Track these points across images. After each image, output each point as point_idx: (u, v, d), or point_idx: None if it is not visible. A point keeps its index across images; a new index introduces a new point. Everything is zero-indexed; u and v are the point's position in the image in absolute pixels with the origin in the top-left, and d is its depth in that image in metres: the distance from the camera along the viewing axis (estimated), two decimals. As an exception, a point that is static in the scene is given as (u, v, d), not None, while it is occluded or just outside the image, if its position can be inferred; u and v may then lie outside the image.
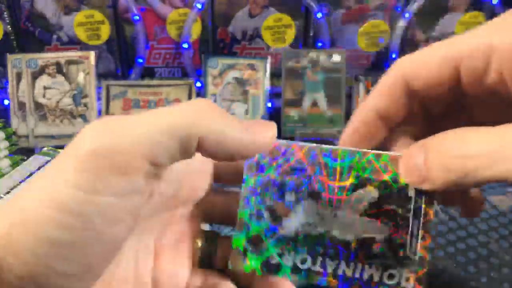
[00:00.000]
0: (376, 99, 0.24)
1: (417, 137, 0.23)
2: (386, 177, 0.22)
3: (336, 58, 0.76)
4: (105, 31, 0.79)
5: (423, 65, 0.23)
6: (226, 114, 0.19)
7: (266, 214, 0.23)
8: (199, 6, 0.76)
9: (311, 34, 0.84)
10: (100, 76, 0.77)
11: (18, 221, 0.17)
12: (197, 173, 0.24)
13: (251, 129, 0.20)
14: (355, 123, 0.25)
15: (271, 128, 0.21)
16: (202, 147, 0.19)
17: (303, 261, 0.22)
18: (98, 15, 0.77)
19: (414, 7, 0.80)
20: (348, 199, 0.22)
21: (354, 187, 0.22)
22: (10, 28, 0.77)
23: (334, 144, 0.23)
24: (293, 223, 0.23)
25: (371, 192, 0.22)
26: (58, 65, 0.71)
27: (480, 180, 0.19)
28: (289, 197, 0.23)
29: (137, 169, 0.17)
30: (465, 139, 0.19)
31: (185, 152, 0.19)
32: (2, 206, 0.18)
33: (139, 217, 0.19)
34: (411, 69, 0.23)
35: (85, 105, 0.72)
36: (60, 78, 0.71)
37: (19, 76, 0.70)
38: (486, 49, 0.21)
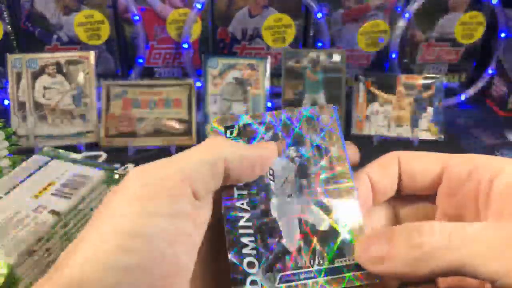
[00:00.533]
0: (374, 168, 0.26)
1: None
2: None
3: (336, 58, 0.76)
4: (105, 31, 0.79)
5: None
6: (236, 143, 0.24)
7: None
8: (199, 6, 0.76)
9: (311, 34, 0.84)
10: (100, 76, 0.77)
11: (88, 257, 0.18)
12: None
13: (255, 146, 0.24)
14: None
15: (270, 143, 0.25)
16: (227, 169, 0.22)
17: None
18: (98, 15, 0.77)
19: (414, 7, 0.80)
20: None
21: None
22: (10, 28, 0.77)
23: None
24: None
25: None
26: (58, 65, 0.71)
27: (445, 268, 0.20)
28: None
29: (182, 193, 0.20)
30: (431, 224, 0.21)
31: (215, 176, 0.22)
32: (72, 246, 0.19)
33: (196, 244, 0.20)
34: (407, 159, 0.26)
35: (85, 105, 0.72)
36: (60, 78, 0.71)
37: (19, 76, 0.70)
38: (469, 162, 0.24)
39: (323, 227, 0.24)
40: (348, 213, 0.24)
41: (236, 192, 0.24)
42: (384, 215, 0.28)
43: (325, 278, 0.23)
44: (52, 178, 0.45)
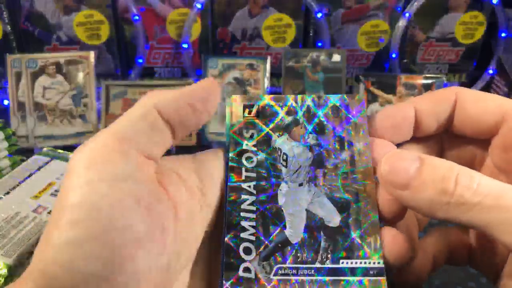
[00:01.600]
0: (423, 99, 0.25)
1: None
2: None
3: (336, 58, 0.76)
4: (105, 31, 0.79)
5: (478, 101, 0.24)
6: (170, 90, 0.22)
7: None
8: (199, 6, 0.76)
9: (311, 34, 0.84)
10: (100, 76, 0.77)
11: (44, 239, 0.18)
12: None
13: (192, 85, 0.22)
14: (393, 111, 0.25)
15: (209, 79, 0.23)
16: (165, 117, 0.20)
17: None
18: (97, 15, 0.77)
19: (414, 7, 0.80)
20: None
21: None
22: (9, 28, 0.77)
23: None
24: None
25: None
26: (57, 65, 0.71)
27: (466, 219, 0.19)
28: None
29: (121, 155, 0.19)
30: (473, 176, 0.19)
31: (155, 128, 0.20)
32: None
33: (151, 207, 0.19)
34: (466, 97, 0.24)
35: (85, 105, 0.72)
36: (60, 78, 0.71)
37: (18, 76, 0.70)
38: None
39: (333, 223, 0.22)
40: (364, 214, 0.22)
41: (244, 174, 0.23)
42: (427, 149, 0.26)
43: (326, 278, 0.21)
44: (52, 178, 0.45)
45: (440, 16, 0.83)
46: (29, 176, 0.45)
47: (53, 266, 0.17)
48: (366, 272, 0.21)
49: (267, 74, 0.74)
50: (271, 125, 0.24)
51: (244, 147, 0.24)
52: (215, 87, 0.22)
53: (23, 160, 0.51)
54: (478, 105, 0.23)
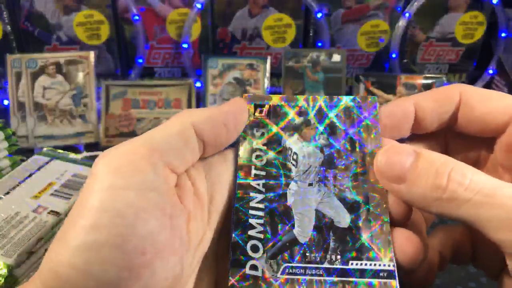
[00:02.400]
0: (425, 96, 0.24)
1: None
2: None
3: (336, 58, 0.76)
4: (105, 31, 0.79)
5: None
6: (205, 108, 0.22)
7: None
8: (199, 6, 0.76)
9: (311, 34, 0.84)
10: (100, 76, 0.77)
11: (60, 240, 0.18)
12: None
13: (222, 105, 0.23)
14: (393, 107, 0.25)
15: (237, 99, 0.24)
16: (199, 134, 0.21)
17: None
18: (97, 15, 0.77)
19: (414, 7, 0.80)
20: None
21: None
22: (9, 28, 0.77)
23: None
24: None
25: None
26: (57, 65, 0.71)
27: (458, 215, 0.19)
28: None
29: (150, 165, 0.19)
30: (466, 172, 0.20)
31: (188, 145, 0.20)
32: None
33: (175, 219, 0.19)
34: (473, 98, 0.24)
35: (85, 105, 0.72)
36: (60, 78, 0.71)
37: (18, 76, 0.70)
38: None
39: (343, 224, 0.22)
40: (375, 216, 0.22)
41: (253, 171, 0.23)
42: (431, 145, 0.26)
43: (334, 278, 0.21)
44: (51, 178, 0.45)
45: (440, 16, 0.83)
46: (29, 176, 0.45)
47: (67, 268, 0.17)
48: (376, 274, 0.21)
49: (267, 74, 0.74)
50: (282, 125, 0.24)
51: (254, 145, 0.24)
52: (244, 107, 0.24)
53: (23, 160, 0.51)
54: (485, 104, 0.23)
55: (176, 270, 0.19)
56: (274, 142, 0.24)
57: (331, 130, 0.24)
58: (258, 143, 0.24)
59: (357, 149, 0.24)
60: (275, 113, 0.24)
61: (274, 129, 0.24)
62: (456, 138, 0.26)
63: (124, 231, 0.17)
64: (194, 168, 0.22)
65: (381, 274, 0.21)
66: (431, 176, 0.20)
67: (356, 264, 0.21)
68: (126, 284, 0.17)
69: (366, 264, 0.21)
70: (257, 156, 0.23)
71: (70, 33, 0.78)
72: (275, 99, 0.25)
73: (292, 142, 0.24)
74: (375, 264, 0.21)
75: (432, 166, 0.20)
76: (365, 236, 0.22)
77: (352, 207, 0.22)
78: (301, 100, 0.25)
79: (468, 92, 0.24)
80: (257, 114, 0.24)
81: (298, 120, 0.24)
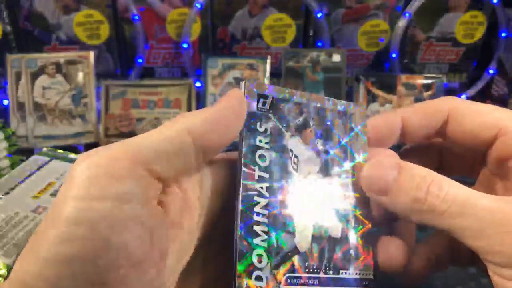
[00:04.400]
0: (414, 110, 0.25)
1: None
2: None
3: (336, 58, 0.76)
4: (105, 31, 0.79)
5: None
6: (199, 110, 0.21)
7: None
8: (198, 5, 0.76)
9: (311, 34, 0.83)
10: (100, 76, 0.77)
11: (30, 250, 0.17)
12: None
13: (219, 102, 0.21)
14: (379, 121, 0.26)
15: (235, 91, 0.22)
16: (196, 139, 0.19)
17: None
18: (97, 15, 0.77)
19: (414, 7, 0.79)
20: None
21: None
22: (9, 28, 0.77)
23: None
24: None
25: None
26: (57, 65, 0.71)
27: (438, 225, 0.21)
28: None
29: (131, 174, 0.18)
30: (442, 185, 0.21)
31: (181, 152, 0.19)
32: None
33: (153, 231, 0.18)
34: (460, 111, 0.25)
35: (85, 105, 0.72)
36: (60, 78, 0.71)
37: (18, 76, 0.70)
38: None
39: (335, 233, 0.23)
40: (361, 224, 0.23)
41: (257, 173, 0.22)
42: (425, 153, 0.27)
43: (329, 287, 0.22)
44: (51, 178, 0.45)
45: (440, 16, 0.83)
46: (29, 176, 0.45)
47: (37, 281, 0.16)
48: (359, 282, 0.22)
49: (267, 74, 0.74)
50: (284, 122, 0.23)
51: (258, 143, 0.22)
52: (242, 99, 0.22)
53: (23, 160, 0.51)
54: (472, 120, 0.24)
55: (156, 281, 0.18)
56: (277, 141, 0.23)
57: (327, 135, 0.24)
58: (261, 140, 0.22)
59: (349, 157, 0.24)
60: (278, 107, 0.23)
61: (277, 125, 0.23)
62: (450, 148, 0.27)
63: (97, 244, 0.16)
64: (185, 174, 0.21)
65: (363, 282, 0.23)
66: (411, 189, 0.21)
67: (344, 273, 0.22)
68: None
69: (351, 274, 0.22)
70: (261, 156, 0.22)
71: (70, 33, 0.78)
72: (278, 91, 0.23)
73: (294, 144, 0.23)
74: (358, 274, 0.23)
75: (413, 180, 0.22)
76: (351, 245, 0.23)
77: (343, 216, 0.23)
78: (302, 97, 0.24)
79: (457, 107, 0.25)
80: (260, 105, 0.22)
81: (299, 119, 0.23)
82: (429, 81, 0.76)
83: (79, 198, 0.17)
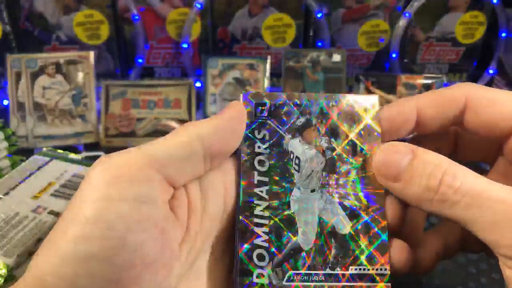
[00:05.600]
0: (428, 99, 0.24)
1: None
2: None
3: (336, 57, 0.76)
4: (105, 31, 0.79)
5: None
6: (208, 119, 0.22)
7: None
8: (198, 5, 0.76)
9: (311, 34, 0.83)
10: (100, 76, 0.77)
11: (49, 249, 0.17)
12: None
13: (222, 112, 0.22)
14: (394, 111, 0.24)
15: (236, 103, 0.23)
16: (206, 147, 0.20)
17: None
18: (97, 15, 0.77)
19: (414, 7, 0.79)
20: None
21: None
22: (9, 28, 0.77)
23: None
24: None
25: None
26: (57, 65, 0.71)
27: (449, 215, 0.20)
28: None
29: (147, 178, 0.19)
30: (457, 175, 0.20)
31: (192, 159, 0.20)
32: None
33: (166, 233, 0.19)
34: (479, 99, 0.23)
35: (85, 105, 0.72)
36: (60, 78, 0.71)
37: (18, 76, 0.70)
38: None
39: (344, 230, 0.22)
40: (374, 221, 0.23)
41: (256, 178, 0.22)
42: (440, 141, 0.26)
43: (335, 284, 0.22)
44: (51, 178, 0.45)
45: (440, 16, 0.83)
46: (29, 176, 0.45)
47: (55, 278, 0.16)
48: (373, 278, 0.22)
49: (267, 74, 0.74)
50: (284, 126, 0.23)
51: (257, 149, 0.23)
52: (243, 110, 0.23)
53: (23, 160, 0.51)
54: (490, 110, 0.23)
55: (165, 282, 0.19)
56: (276, 145, 0.23)
57: (333, 132, 0.23)
58: (260, 146, 0.23)
59: (358, 153, 0.23)
60: (276, 113, 0.23)
61: (276, 130, 0.23)
62: (465, 135, 0.26)
63: (114, 243, 0.17)
64: (193, 178, 0.22)
65: (377, 278, 0.22)
66: (424, 177, 0.21)
67: (355, 269, 0.22)
68: None
69: (364, 269, 0.22)
70: (260, 161, 0.23)
71: (70, 33, 0.78)
72: (276, 97, 0.23)
73: (294, 145, 0.23)
74: (373, 269, 0.22)
75: (426, 167, 0.21)
76: (364, 242, 0.22)
77: (352, 213, 0.23)
78: (302, 98, 0.24)
79: (474, 96, 0.23)
80: (258, 113, 0.23)
81: (300, 120, 0.23)
82: (429, 81, 0.76)
83: (99, 198, 0.17)
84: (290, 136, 0.23)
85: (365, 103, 0.24)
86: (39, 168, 0.47)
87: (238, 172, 0.22)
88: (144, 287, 0.18)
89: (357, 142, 0.23)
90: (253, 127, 0.23)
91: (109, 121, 0.71)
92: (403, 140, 0.25)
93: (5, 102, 0.74)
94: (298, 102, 0.24)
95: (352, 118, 0.24)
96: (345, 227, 0.22)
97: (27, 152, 0.61)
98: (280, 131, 0.23)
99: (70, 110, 0.71)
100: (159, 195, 0.19)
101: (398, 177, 0.21)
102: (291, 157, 0.23)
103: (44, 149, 0.51)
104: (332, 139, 0.23)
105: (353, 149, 0.23)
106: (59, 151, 0.51)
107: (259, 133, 0.23)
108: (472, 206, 0.20)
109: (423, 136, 0.26)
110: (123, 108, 0.72)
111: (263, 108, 0.23)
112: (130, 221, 0.17)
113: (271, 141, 0.23)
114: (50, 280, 0.16)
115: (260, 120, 0.23)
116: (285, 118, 0.23)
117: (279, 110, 0.23)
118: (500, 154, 0.25)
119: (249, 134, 0.23)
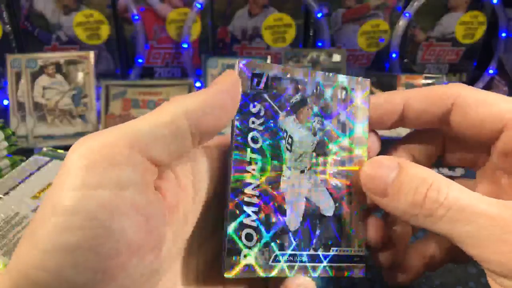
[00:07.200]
0: (417, 95, 0.25)
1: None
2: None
3: (336, 58, 0.76)
4: (105, 31, 0.79)
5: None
6: (194, 92, 0.20)
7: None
8: (198, 5, 0.76)
9: (311, 34, 0.83)
10: (100, 76, 0.77)
11: (29, 241, 0.17)
12: None
13: (214, 84, 0.21)
14: (381, 101, 0.25)
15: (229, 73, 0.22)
16: (193, 124, 0.19)
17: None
18: (97, 15, 0.77)
19: (414, 7, 0.79)
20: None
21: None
22: (9, 28, 0.77)
23: None
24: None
25: None
26: (57, 65, 0.71)
27: (435, 230, 0.20)
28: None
29: (128, 160, 0.17)
30: (442, 190, 0.20)
31: (178, 136, 0.19)
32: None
33: (151, 217, 0.18)
34: (466, 101, 0.23)
35: (85, 105, 0.72)
36: (60, 78, 0.71)
37: (18, 76, 0.70)
38: None
39: (329, 212, 0.23)
40: (354, 202, 0.23)
41: (248, 155, 0.21)
42: (428, 143, 0.27)
43: (319, 264, 0.22)
44: (51, 178, 0.45)
45: (440, 16, 0.83)
46: (29, 176, 0.45)
47: (38, 271, 0.16)
48: (350, 259, 0.23)
49: (267, 74, 0.74)
50: (279, 101, 0.22)
51: (251, 125, 0.22)
52: (238, 81, 0.21)
53: (23, 160, 0.51)
54: (478, 111, 0.23)
55: (153, 265, 0.18)
56: (270, 121, 0.22)
57: (325, 111, 0.23)
58: (254, 122, 0.22)
59: (347, 134, 0.24)
60: (273, 86, 0.22)
61: (272, 105, 0.22)
62: (454, 138, 0.26)
63: (97, 233, 0.16)
64: (180, 158, 0.20)
65: (355, 258, 0.23)
66: (410, 192, 0.21)
67: (335, 251, 0.23)
68: (100, 286, 0.16)
69: (343, 251, 0.23)
70: (253, 138, 0.22)
71: (70, 33, 0.78)
72: (273, 69, 0.22)
73: (288, 123, 0.22)
74: (351, 250, 0.23)
75: (412, 182, 0.21)
76: (345, 223, 0.23)
77: (336, 194, 0.23)
78: (300, 73, 0.23)
79: (463, 96, 0.23)
80: (255, 84, 0.22)
81: (296, 98, 0.23)
82: (429, 81, 0.76)
83: (77, 187, 0.16)
84: (285, 113, 0.22)
85: (357, 85, 0.24)
86: (39, 168, 0.47)
87: (231, 148, 0.21)
88: (132, 273, 0.17)
89: (347, 123, 0.24)
90: (248, 99, 0.22)
91: (109, 121, 0.71)
92: (393, 140, 0.25)
93: (5, 102, 0.74)
94: (296, 77, 0.23)
95: (345, 99, 0.24)
96: (330, 209, 0.23)
97: (27, 152, 0.61)
98: (275, 107, 0.22)
99: (70, 110, 0.71)
100: (142, 178, 0.18)
101: (385, 192, 0.21)
102: (284, 135, 0.22)
103: (44, 149, 0.51)
104: (324, 120, 0.23)
105: (343, 130, 0.24)
106: (59, 151, 0.51)
107: (254, 107, 0.22)
108: (457, 220, 0.19)
109: (412, 138, 0.27)
110: (123, 108, 0.72)
111: (259, 79, 0.22)
112: (112, 208, 0.17)
113: (266, 117, 0.22)
114: (34, 273, 0.16)
115: (256, 93, 0.22)
116: (281, 93, 0.22)
117: (276, 83, 0.22)
118: (487, 158, 0.25)
119: (244, 108, 0.22)
